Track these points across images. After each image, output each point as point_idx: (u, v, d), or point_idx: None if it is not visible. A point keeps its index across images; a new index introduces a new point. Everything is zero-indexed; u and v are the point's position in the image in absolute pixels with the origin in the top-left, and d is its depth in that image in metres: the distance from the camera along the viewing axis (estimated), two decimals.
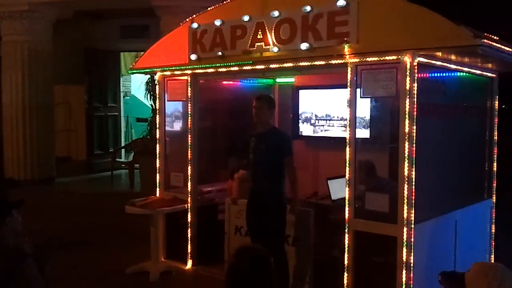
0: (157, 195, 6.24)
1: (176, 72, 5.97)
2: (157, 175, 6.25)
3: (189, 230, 5.90)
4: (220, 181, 6.60)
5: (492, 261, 5.58)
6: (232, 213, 5.72)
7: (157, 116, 6.33)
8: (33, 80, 11.24)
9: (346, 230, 4.46)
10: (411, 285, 4.13)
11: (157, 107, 6.37)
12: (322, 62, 4.63)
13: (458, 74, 5.04)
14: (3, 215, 2.92)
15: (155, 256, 5.89)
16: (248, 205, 5.06)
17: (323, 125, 6.49)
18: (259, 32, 4.99)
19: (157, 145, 6.28)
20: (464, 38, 3.82)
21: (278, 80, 6.93)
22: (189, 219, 5.90)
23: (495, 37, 4.21)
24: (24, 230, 3.18)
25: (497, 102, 5.74)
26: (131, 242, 6.91)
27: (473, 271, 2.30)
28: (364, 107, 4.62)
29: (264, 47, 4.97)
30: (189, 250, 5.91)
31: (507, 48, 4.36)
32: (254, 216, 4.95)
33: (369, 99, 4.58)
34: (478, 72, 5.31)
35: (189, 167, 5.90)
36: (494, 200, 5.72)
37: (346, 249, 4.45)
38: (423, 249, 4.31)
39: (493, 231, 5.73)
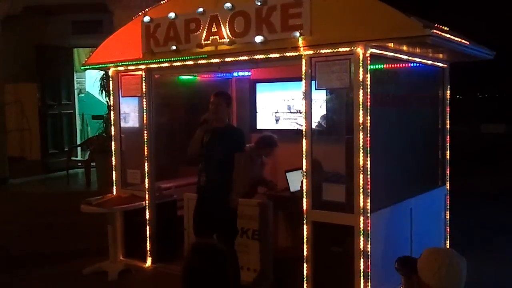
0: (114, 193, 6.13)
1: (130, 67, 5.86)
2: (113, 172, 6.14)
3: (147, 228, 5.82)
4: (178, 177, 6.54)
5: (447, 247, 5.74)
6: (191, 208, 5.66)
7: (112, 112, 6.21)
8: None
9: (304, 221, 4.49)
10: (369, 273, 4.19)
11: (112, 103, 6.25)
12: (277, 55, 4.63)
13: (411, 64, 5.13)
14: None
15: (113, 255, 5.78)
16: (199, 199, 5.02)
17: (281, 118, 6.53)
18: (213, 25, 4.95)
19: (113, 142, 6.17)
20: (414, 28, 3.88)
21: (235, 73, 6.90)
22: (147, 217, 5.82)
23: (445, 28, 4.30)
24: None
25: (448, 92, 5.89)
26: (89, 242, 6.77)
27: (424, 257, 2.34)
28: (320, 99, 4.66)
29: (218, 40, 4.93)
30: (148, 248, 5.83)
31: (456, 38, 4.46)
32: (206, 210, 4.91)
33: (324, 91, 4.62)
34: (429, 62, 5.42)
35: (146, 164, 5.82)
36: (448, 187, 5.88)
37: (305, 240, 4.48)
38: (380, 237, 4.38)
39: (448, 217, 5.89)
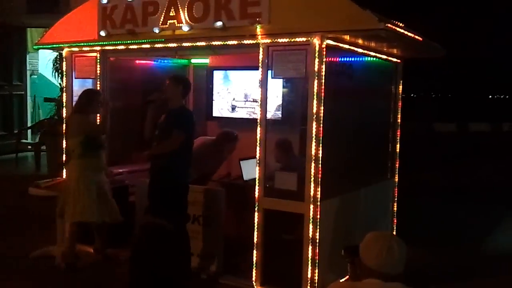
0: (64, 176, 5.99)
1: (84, 49, 5.74)
2: (63, 156, 6.00)
3: None
4: (131, 163, 6.44)
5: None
6: (143, 195, 5.60)
7: (64, 94, 6.07)
8: None
9: (256, 209, 4.52)
10: (317, 260, 4.27)
11: (64, 85, 6.10)
12: (235, 42, 4.64)
13: (365, 58, 5.23)
14: None
15: (60, 240, 5.67)
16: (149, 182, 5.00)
17: (237, 106, 6.53)
18: (172, 9, 4.90)
19: (63, 125, 6.02)
20: (369, 21, 3.96)
21: (193, 60, 6.86)
22: None
23: (400, 24, 4.40)
24: None
25: (401, 87, 6.03)
26: (36, 226, 6.62)
27: (366, 240, 2.41)
28: (276, 88, 4.70)
29: (176, 24, 4.89)
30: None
31: (409, 34, 4.58)
32: (151, 193, 4.88)
33: (281, 80, 4.66)
34: (384, 57, 5.54)
35: None
36: (397, 180, 6.04)
37: (256, 227, 4.52)
38: (329, 225, 4.47)
39: (395, 209, 6.06)
